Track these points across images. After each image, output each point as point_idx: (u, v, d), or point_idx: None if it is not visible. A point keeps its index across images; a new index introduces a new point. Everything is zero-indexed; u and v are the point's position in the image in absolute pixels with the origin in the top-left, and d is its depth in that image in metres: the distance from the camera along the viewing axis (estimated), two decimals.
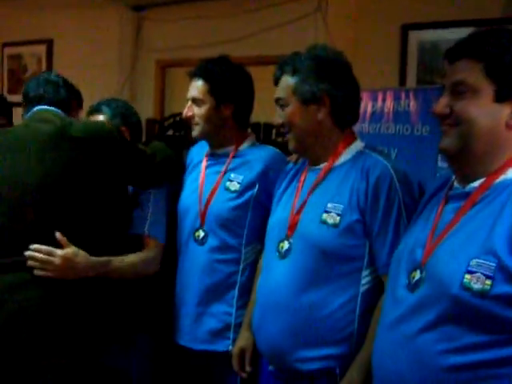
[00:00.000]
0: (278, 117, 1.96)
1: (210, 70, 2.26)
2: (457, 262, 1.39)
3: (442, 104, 1.48)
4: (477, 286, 1.33)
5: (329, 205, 1.84)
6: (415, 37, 3.90)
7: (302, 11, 4.19)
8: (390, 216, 1.79)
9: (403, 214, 1.78)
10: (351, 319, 1.83)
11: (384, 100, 3.20)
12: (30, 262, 2.01)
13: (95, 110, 2.56)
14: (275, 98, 1.96)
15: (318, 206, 1.87)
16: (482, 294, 1.33)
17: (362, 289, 1.83)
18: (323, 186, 1.91)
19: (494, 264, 1.33)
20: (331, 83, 1.88)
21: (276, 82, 1.97)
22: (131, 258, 2.24)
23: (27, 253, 2.02)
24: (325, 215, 1.84)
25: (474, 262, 1.35)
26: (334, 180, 1.89)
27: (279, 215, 2.01)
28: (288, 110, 1.92)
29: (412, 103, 3.06)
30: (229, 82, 2.25)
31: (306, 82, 1.88)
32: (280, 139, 4.01)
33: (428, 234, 1.51)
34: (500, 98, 1.42)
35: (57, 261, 2.01)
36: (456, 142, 1.46)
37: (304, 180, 1.97)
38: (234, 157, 2.29)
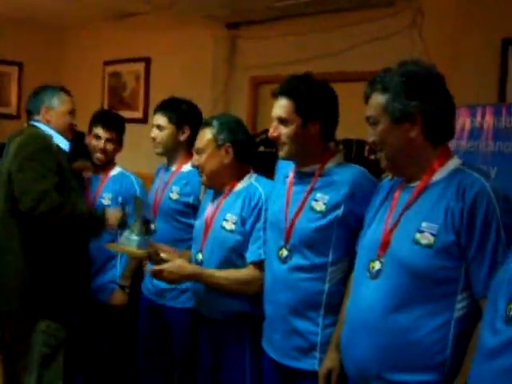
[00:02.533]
0: (369, 135, 1.91)
1: (295, 88, 2.23)
2: None
3: None
4: None
5: (423, 224, 1.77)
6: None
7: (396, 26, 4.12)
8: (488, 238, 1.70)
9: (502, 236, 1.69)
10: (444, 345, 1.75)
11: (483, 116, 3.08)
12: None
13: (206, 123, 2.66)
14: (366, 116, 1.91)
15: (412, 225, 1.81)
16: None
17: (457, 314, 1.75)
18: (417, 204, 1.84)
19: None
20: (423, 100, 1.80)
21: (366, 99, 1.92)
22: (233, 275, 2.50)
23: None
24: (418, 235, 1.77)
25: None
26: (428, 198, 1.82)
27: (371, 234, 1.96)
28: (379, 128, 1.86)
29: None
30: (314, 100, 2.21)
31: (396, 99, 1.82)
32: (373, 156, 3.94)
33: None
34: None
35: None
36: None
37: (397, 198, 1.91)
38: (320, 175, 2.26)
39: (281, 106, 2.25)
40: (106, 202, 3.30)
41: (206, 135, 2.62)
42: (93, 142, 3.34)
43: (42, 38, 6.43)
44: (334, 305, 2.18)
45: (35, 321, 2.82)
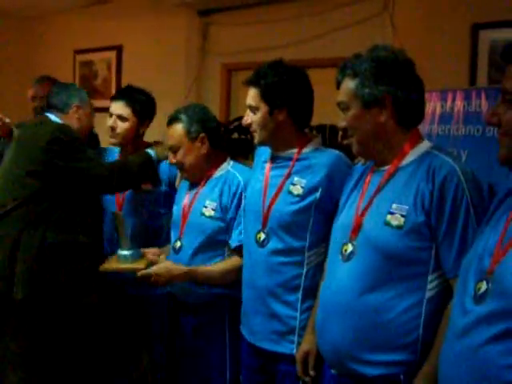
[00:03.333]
0: (341, 120, 1.93)
1: (262, 76, 2.26)
2: None
3: (490, 111, 1.41)
4: None
5: (393, 206, 1.80)
6: (486, 36, 3.77)
7: (368, 12, 4.14)
8: (458, 218, 1.73)
9: (471, 216, 1.72)
10: (416, 324, 1.78)
11: (454, 100, 3.12)
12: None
13: (173, 119, 2.60)
14: (337, 101, 1.93)
15: (383, 207, 1.83)
16: None
17: (429, 293, 1.78)
18: (388, 187, 1.86)
19: None
20: (392, 84, 1.83)
21: (338, 85, 1.94)
22: (224, 267, 2.52)
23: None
24: (389, 216, 1.80)
25: None
26: (399, 181, 1.84)
27: (344, 217, 1.98)
28: (350, 113, 1.89)
29: (483, 103, 2.96)
30: (280, 87, 2.23)
31: (366, 84, 1.84)
32: (346, 141, 3.96)
33: (496, 242, 1.43)
34: None
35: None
36: (505, 153, 1.42)
37: (369, 182, 1.94)
38: (297, 160, 2.28)
39: (250, 95, 2.29)
40: None
41: (177, 131, 2.59)
42: None
43: (12, 27, 6.33)
44: (312, 289, 2.19)
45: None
